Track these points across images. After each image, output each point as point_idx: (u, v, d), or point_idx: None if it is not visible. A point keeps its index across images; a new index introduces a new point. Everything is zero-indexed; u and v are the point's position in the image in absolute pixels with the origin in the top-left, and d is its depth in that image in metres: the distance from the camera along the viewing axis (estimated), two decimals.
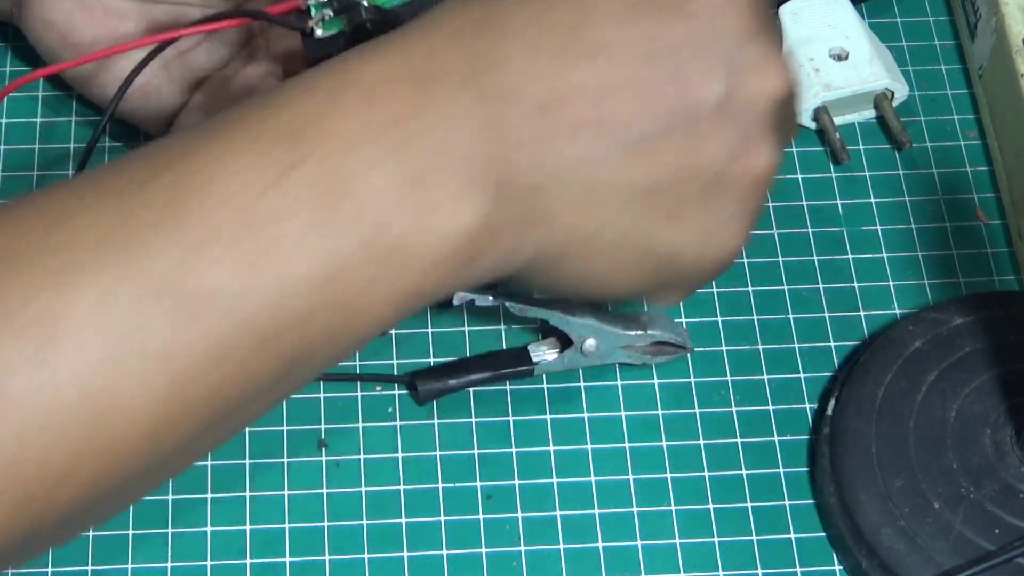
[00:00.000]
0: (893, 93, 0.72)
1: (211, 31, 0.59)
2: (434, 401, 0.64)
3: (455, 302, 0.61)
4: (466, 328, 0.66)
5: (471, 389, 0.64)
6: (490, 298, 0.62)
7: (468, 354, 0.65)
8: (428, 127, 0.46)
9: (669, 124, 0.49)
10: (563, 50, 0.48)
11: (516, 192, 0.48)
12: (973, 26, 0.74)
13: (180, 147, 0.46)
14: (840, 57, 0.71)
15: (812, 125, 0.72)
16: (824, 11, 0.72)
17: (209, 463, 0.62)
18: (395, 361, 0.65)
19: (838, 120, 0.72)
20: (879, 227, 0.70)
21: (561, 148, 0.48)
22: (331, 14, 0.57)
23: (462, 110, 0.47)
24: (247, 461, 0.62)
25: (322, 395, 0.64)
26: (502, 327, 0.66)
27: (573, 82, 0.48)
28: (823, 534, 0.62)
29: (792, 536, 0.62)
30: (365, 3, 0.57)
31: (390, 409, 0.64)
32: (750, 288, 0.68)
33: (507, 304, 0.62)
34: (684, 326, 0.65)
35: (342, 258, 0.45)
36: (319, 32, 0.57)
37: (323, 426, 0.63)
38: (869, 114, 0.73)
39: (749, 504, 0.62)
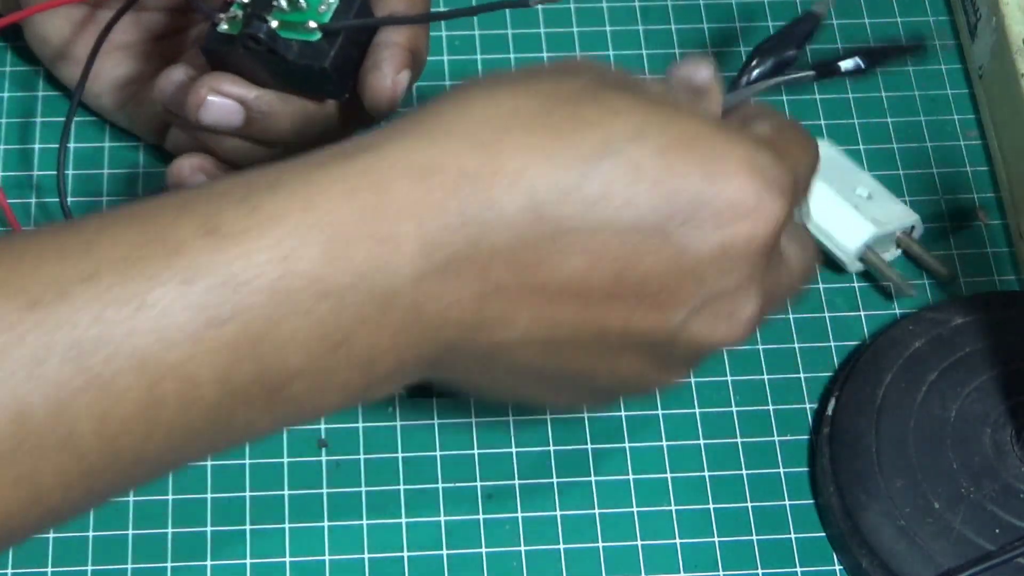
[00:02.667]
0: (913, 228, 0.68)
1: None
2: (434, 401, 0.64)
3: None
4: None
5: None
6: None
7: None
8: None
9: (599, 341, 0.48)
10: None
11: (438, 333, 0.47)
12: (973, 26, 0.74)
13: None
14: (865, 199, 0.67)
15: (859, 268, 0.67)
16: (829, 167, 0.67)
17: (209, 463, 0.62)
18: None
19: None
20: None
21: (491, 330, 0.47)
22: (239, 16, 0.60)
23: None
24: (247, 461, 0.62)
25: None
26: None
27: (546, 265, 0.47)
28: (823, 534, 0.62)
29: (792, 536, 0.62)
30: (267, 27, 0.59)
31: (390, 409, 0.64)
32: None
33: None
34: None
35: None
36: (223, 27, 0.60)
37: (323, 426, 0.63)
38: (896, 252, 0.68)
39: (749, 504, 0.62)
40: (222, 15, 0.60)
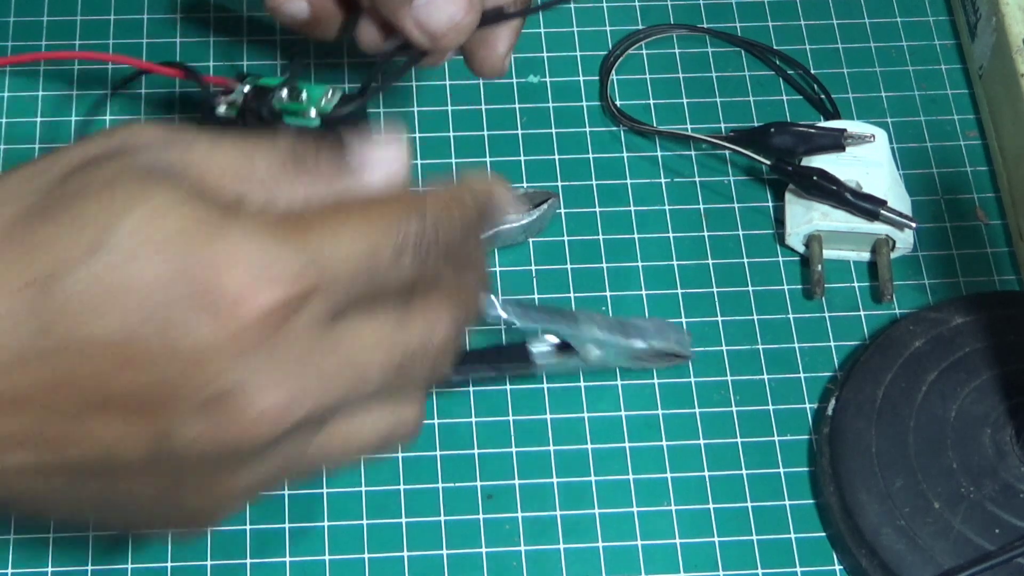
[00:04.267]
0: (895, 242, 0.68)
1: (154, 71, 0.65)
2: (434, 401, 0.64)
3: None
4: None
5: (472, 390, 0.64)
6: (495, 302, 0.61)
7: None
8: None
9: (98, 460, 0.47)
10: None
11: None
12: (973, 26, 0.74)
13: None
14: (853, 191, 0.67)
15: (801, 250, 0.69)
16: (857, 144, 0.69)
17: None
18: None
19: (831, 254, 0.68)
20: None
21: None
22: (238, 103, 0.60)
23: None
24: None
25: None
26: (502, 327, 0.66)
27: None
28: (823, 534, 0.62)
29: (792, 536, 0.62)
30: (269, 106, 0.60)
31: None
32: (750, 288, 0.68)
33: (507, 318, 0.61)
34: (687, 332, 0.65)
35: None
36: (221, 109, 0.60)
37: None
38: (865, 256, 0.69)
39: (749, 504, 0.63)
40: (223, 97, 0.60)
